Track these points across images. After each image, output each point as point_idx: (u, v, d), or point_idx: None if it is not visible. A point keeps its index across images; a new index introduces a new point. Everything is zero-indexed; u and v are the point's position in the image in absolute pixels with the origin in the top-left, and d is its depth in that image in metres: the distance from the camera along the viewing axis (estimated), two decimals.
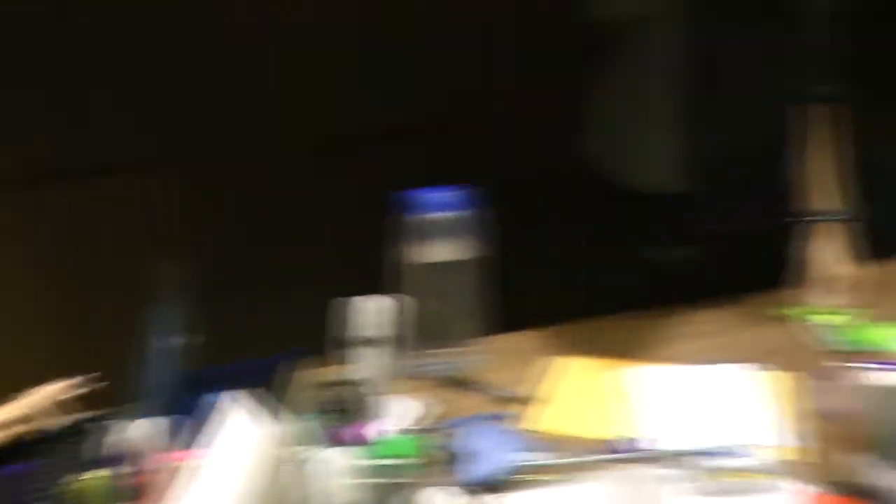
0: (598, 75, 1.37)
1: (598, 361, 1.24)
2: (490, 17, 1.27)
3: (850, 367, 1.10)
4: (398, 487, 0.95)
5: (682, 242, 1.41)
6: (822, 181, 1.40)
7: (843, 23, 1.41)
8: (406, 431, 1.05)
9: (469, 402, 1.17)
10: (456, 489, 0.97)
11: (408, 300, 1.19)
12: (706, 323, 1.34)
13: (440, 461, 1.03)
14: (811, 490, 0.94)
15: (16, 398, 1.08)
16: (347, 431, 1.03)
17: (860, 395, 1.04)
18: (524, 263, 1.30)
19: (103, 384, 1.08)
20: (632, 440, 1.04)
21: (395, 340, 1.16)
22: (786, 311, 1.34)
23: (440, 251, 1.20)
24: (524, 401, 1.16)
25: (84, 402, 1.09)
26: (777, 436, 1.06)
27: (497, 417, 1.11)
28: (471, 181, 1.20)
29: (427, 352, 1.23)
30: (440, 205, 1.19)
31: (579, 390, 1.18)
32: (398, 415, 1.10)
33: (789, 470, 0.98)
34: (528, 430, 1.09)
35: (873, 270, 1.35)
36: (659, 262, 1.40)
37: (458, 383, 1.21)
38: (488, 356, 1.24)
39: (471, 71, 1.28)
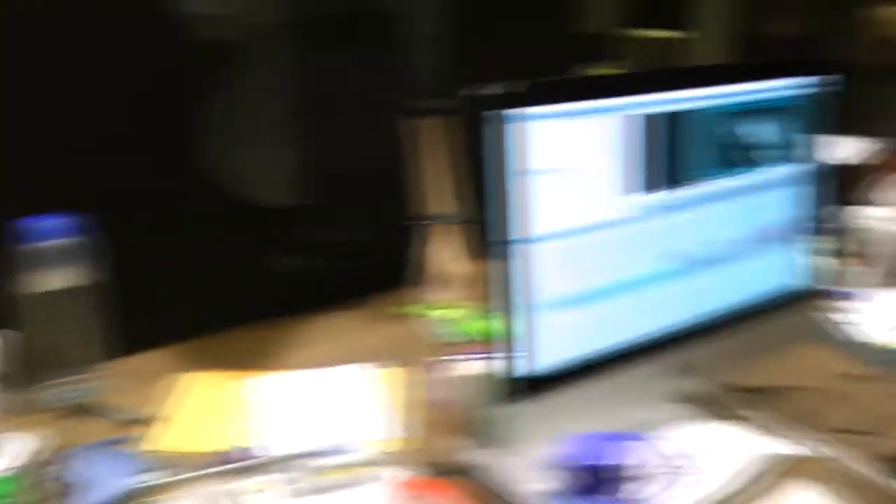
0: (212, 89, 1.39)
1: (223, 374, 1.26)
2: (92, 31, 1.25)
3: (451, 358, 1.20)
4: None
5: (305, 252, 1.46)
6: (437, 187, 1.50)
7: (445, 42, 1.53)
8: (12, 469, 1.02)
9: (91, 429, 1.15)
10: None
11: (15, 333, 1.16)
12: (330, 327, 1.40)
13: (53, 494, 1.01)
14: (406, 475, 1.02)
15: None
16: None
17: (456, 384, 1.14)
18: (145, 283, 1.29)
19: None
20: (246, 449, 1.08)
21: (3, 377, 1.13)
22: (405, 310, 1.44)
23: (53, 279, 1.18)
24: (147, 422, 1.16)
25: None
26: (386, 429, 1.13)
27: (117, 441, 1.10)
28: (80, 206, 1.18)
29: (46, 383, 1.20)
30: (49, 232, 1.17)
31: (202, 405, 1.20)
32: (9, 454, 1.06)
33: (393, 459, 1.06)
34: (148, 452, 1.09)
35: (484, 267, 1.47)
36: (284, 273, 1.44)
37: (80, 411, 1.19)
38: (112, 380, 1.23)
39: (66, 98, 1.26)
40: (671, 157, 1.05)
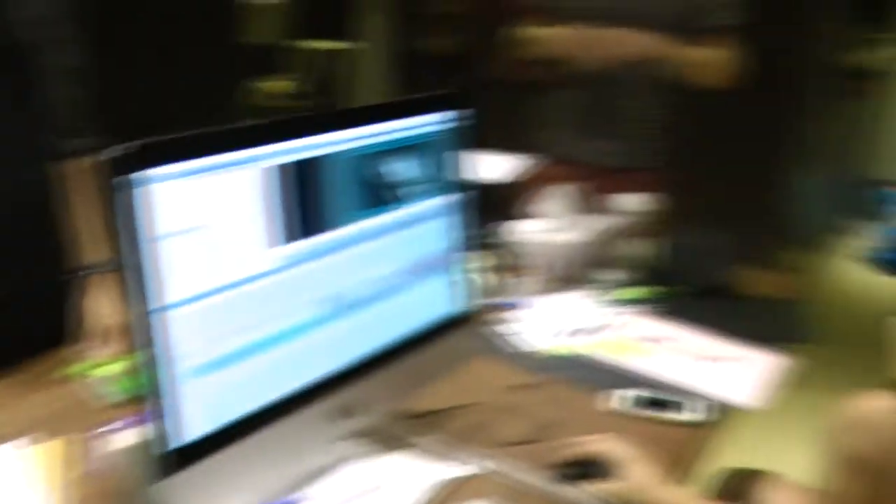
0: None
1: None
2: None
3: (111, 426, 1.13)
4: None
5: None
6: (91, 234, 1.42)
7: (87, 77, 1.44)
8: None
9: None
10: None
11: None
12: None
13: None
14: None
15: None
16: None
17: (115, 454, 1.08)
18: None
19: None
20: None
21: None
22: (67, 371, 1.34)
23: None
24: None
25: None
26: None
27: None
28: None
29: None
30: None
31: None
32: None
33: None
34: None
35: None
36: None
37: None
38: None
39: None
40: (312, 204, 1.03)
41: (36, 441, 1.18)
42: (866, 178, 4.92)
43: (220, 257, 0.95)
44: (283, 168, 0.99)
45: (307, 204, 1.03)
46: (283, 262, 1.02)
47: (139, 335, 0.89)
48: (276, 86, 3.89)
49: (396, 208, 1.15)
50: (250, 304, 0.99)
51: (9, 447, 1.17)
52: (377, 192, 1.11)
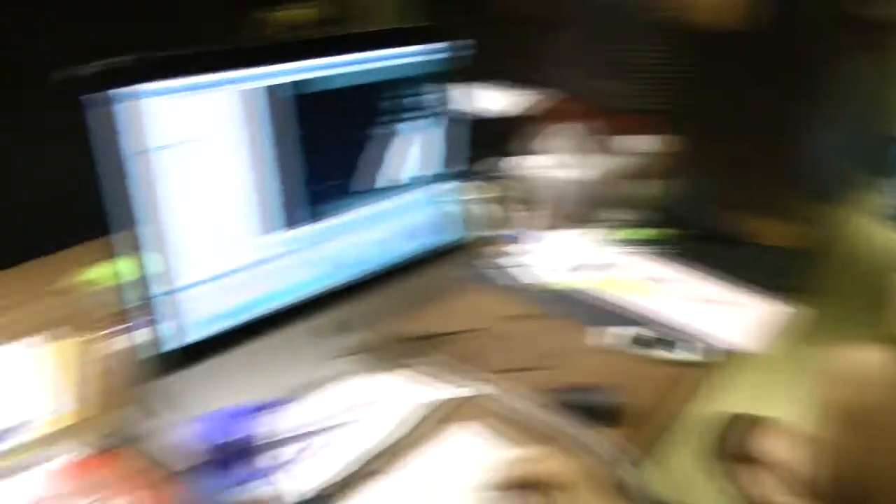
0: None
1: None
2: None
3: (116, 327, 1.16)
4: None
5: None
6: None
7: None
8: None
9: None
10: None
11: None
12: None
13: None
14: (78, 455, 0.98)
15: None
16: None
17: (121, 354, 1.11)
18: None
19: None
20: None
21: None
22: (74, 276, 1.37)
23: None
24: None
25: None
26: (53, 407, 1.09)
27: None
28: None
29: None
30: None
31: None
32: None
33: (59, 438, 1.02)
34: None
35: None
36: None
37: None
38: None
39: None
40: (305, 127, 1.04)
41: (47, 340, 1.21)
42: (886, 134, 4.86)
43: (216, 171, 0.96)
44: (272, 90, 0.99)
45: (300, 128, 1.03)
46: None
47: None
48: (295, 14, 3.82)
49: (395, 125, 1.15)
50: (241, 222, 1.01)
51: (19, 344, 1.20)
52: (371, 119, 1.12)
